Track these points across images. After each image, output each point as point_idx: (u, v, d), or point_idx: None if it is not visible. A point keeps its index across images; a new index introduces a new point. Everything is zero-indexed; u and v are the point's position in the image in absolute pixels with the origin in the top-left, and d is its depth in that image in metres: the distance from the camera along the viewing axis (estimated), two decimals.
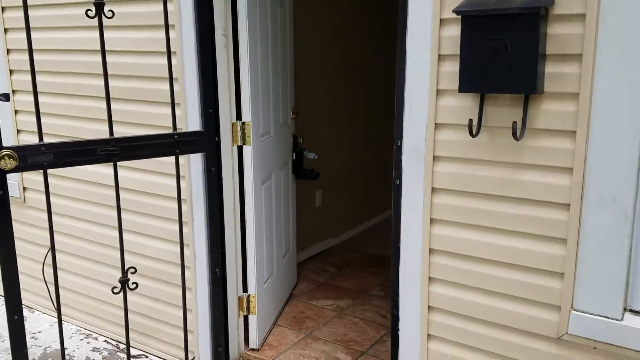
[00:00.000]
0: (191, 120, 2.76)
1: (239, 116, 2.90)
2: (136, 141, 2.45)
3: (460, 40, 1.97)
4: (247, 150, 2.94)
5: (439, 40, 2.10)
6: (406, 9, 2.17)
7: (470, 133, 1.99)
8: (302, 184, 3.97)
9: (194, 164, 2.81)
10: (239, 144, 2.92)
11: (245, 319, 3.09)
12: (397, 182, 2.29)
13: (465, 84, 1.99)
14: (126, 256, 2.50)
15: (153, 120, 2.88)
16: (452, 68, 2.08)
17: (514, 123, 1.90)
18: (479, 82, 1.96)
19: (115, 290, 2.37)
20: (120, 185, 2.44)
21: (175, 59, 2.68)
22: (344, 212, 4.85)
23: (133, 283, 2.43)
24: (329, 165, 4.35)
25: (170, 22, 2.44)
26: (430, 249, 2.23)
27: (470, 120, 1.98)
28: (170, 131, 2.54)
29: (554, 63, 1.89)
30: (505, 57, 1.88)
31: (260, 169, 3.06)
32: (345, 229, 4.90)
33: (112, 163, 2.34)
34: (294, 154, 3.68)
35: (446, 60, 2.10)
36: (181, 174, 2.59)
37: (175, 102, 2.53)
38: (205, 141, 2.67)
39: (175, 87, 2.69)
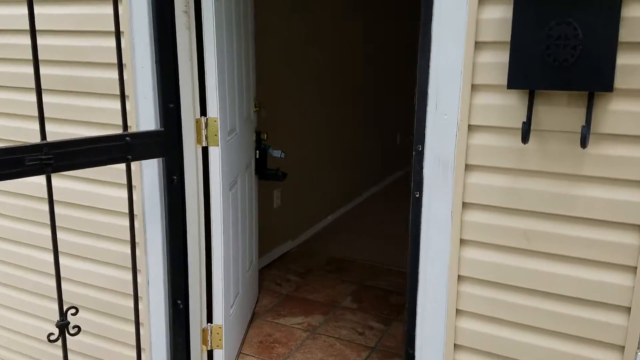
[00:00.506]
0: (143, 117, 2.21)
1: (203, 111, 2.38)
2: (76, 146, 1.90)
3: (513, 23, 1.58)
4: (214, 152, 2.43)
5: (476, 23, 1.69)
6: None
7: (523, 139, 1.60)
8: (260, 184, 3.48)
9: (147, 170, 2.27)
10: (204, 144, 2.40)
11: (210, 354, 2.59)
12: (417, 195, 1.88)
13: (517, 79, 1.60)
14: (64, 285, 1.95)
15: (95, 116, 2.31)
16: (493, 58, 1.69)
17: (583, 127, 1.53)
18: (535, 76, 1.57)
19: (52, 338, 1.84)
20: (55, 198, 1.89)
21: (123, 40, 2.12)
22: (302, 211, 4.41)
23: (74, 327, 1.89)
24: (290, 162, 3.88)
25: None
26: (459, 276, 1.84)
27: (525, 123, 1.60)
28: (120, 131, 2.02)
29: (629, 53, 1.53)
30: (574, 45, 1.50)
31: (227, 174, 2.56)
32: (303, 229, 4.47)
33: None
34: (258, 152, 3.19)
35: (485, 48, 1.70)
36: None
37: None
38: (165, 143, 2.14)
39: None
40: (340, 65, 4.72)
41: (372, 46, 5.23)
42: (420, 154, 1.84)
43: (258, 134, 3.20)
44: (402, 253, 4.37)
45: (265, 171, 3.25)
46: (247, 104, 2.96)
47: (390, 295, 3.55)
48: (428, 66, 1.79)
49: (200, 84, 2.35)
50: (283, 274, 3.85)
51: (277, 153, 3.26)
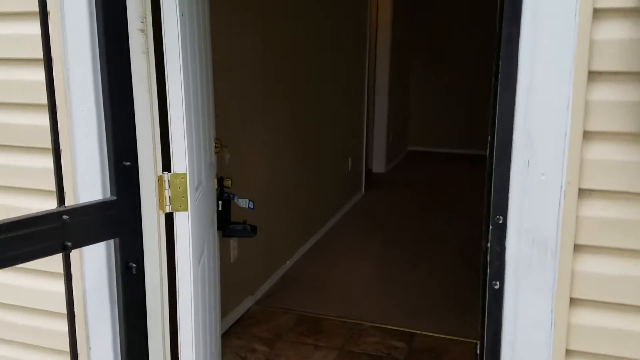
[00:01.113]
0: (85, 180, 1.56)
1: (166, 165, 1.75)
2: None
3: None
4: (182, 220, 1.79)
5: (589, 45, 1.19)
6: None
7: None
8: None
9: (90, 255, 1.60)
10: (167, 210, 1.76)
11: None
12: (496, 286, 1.34)
13: None
14: None
15: (14, 178, 1.62)
16: (616, 95, 1.20)
17: None
18: None
19: None
20: None
21: (54, 71, 1.47)
22: (260, 261, 3.78)
23: None
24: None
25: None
26: None
27: None
28: (52, 201, 1.40)
29: None
30: None
31: (197, 245, 1.93)
32: (261, 281, 3.83)
33: None
34: (220, 202, 2.56)
35: (603, 80, 1.20)
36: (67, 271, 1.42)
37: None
38: (119, 218, 1.50)
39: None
40: (291, 90, 4.16)
41: (321, 65, 4.72)
42: (502, 229, 1.31)
43: (220, 180, 2.57)
44: (383, 304, 3.84)
45: (230, 226, 2.62)
46: (209, 146, 2.33)
47: None
48: (513, 104, 1.26)
49: (162, 129, 1.71)
50: (247, 343, 3.20)
51: (244, 203, 2.64)
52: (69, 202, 1.46)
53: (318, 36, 4.59)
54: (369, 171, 6.67)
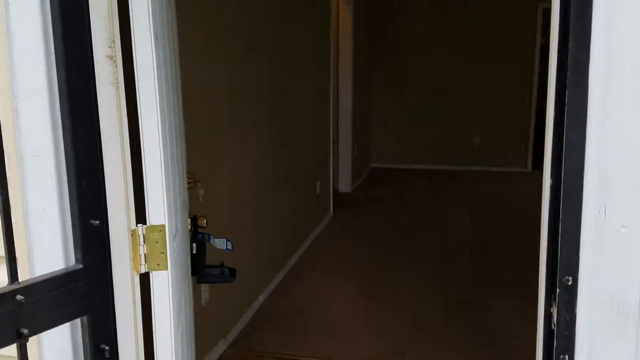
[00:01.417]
0: (41, 246, 1.24)
1: (140, 216, 1.44)
2: None
3: None
4: (161, 281, 1.49)
5: None
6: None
7: None
8: None
9: (50, 339, 1.28)
10: (143, 270, 1.46)
11: None
12: None
13: None
14: None
15: None
16: None
17: None
18: None
19: None
20: None
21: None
22: (232, 301, 3.47)
23: None
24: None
25: None
26: None
27: None
28: (4, 281, 1.11)
29: None
30: None
31: (177, 306, 1.62)
32: (233, 321, 3.52)
33: None
34: (194, 245, 2.25)
35: None
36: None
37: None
38: (88, 291, 1.20)
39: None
40: (263, 117, 3.89)
41: (288, 81, 4.47)
42: (572, 292, 1.08)
43: (194, 219, 2.26)
44: (366, 338, 3.54)
45: (205, 271, 2.31)
46: (183, 182, 2.03)
47: None
48: (583, 141, 1.04)
49: (135, 173, 1.41)
50: None
51: (221, 244, 2.34)
52: (23, 274, 1.14)
53: (285, 60, 4.34)
54: (335, 191, 6.44)
